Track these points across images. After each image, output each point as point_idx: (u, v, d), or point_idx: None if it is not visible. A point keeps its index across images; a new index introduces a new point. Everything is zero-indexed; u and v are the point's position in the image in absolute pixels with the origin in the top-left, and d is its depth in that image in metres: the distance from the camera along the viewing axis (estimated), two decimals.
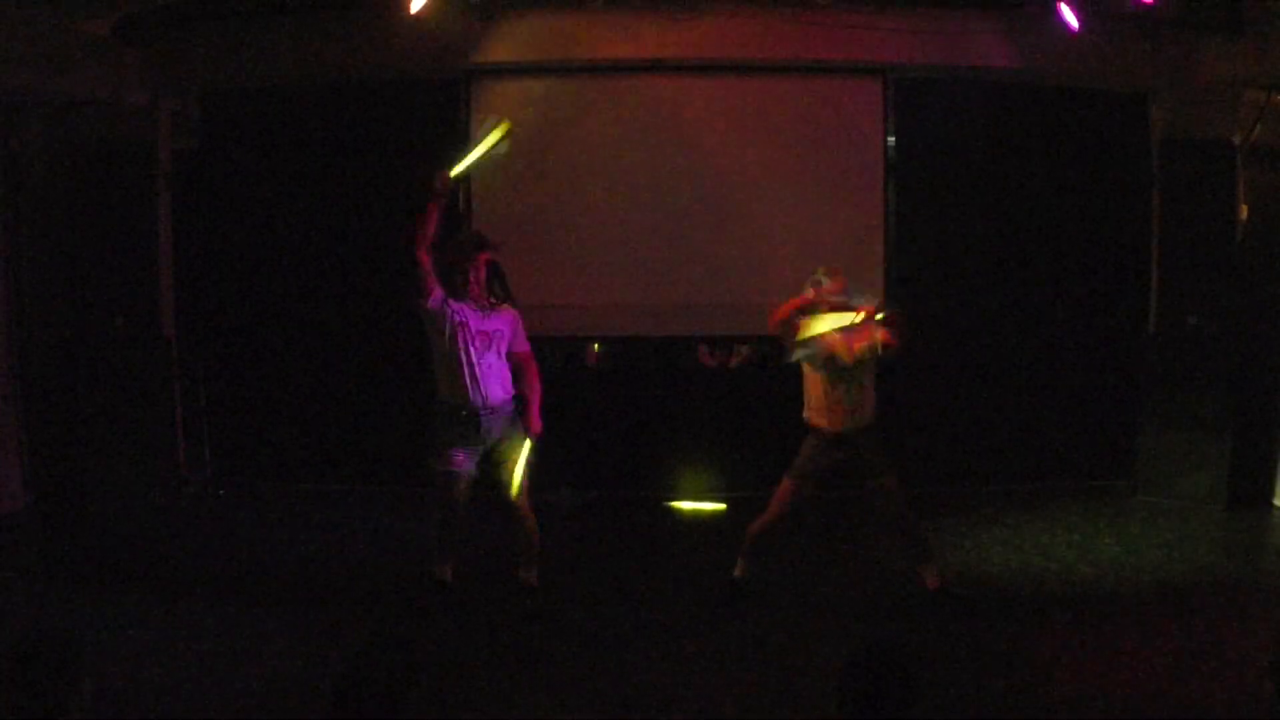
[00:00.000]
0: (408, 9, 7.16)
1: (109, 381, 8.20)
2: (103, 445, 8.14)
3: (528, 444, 5.86)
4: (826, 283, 5.82)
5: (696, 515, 8.08)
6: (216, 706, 4.89)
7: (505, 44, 8.05)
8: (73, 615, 5.87)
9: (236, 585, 6.46)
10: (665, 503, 8.16)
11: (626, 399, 8.52)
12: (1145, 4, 6.86)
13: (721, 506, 8.03)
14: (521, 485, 5.87)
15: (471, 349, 5.72)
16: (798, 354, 5.85)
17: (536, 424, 5.88)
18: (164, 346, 8.46)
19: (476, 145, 5.77)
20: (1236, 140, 8.01)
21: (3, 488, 7.89)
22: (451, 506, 5.86)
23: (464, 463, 5.78)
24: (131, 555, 7.10)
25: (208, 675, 5.18)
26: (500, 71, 8.26)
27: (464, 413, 5.74)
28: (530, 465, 5.88)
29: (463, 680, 5.16)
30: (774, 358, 8.44)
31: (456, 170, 5.74)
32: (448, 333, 5.71)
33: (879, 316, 5.67)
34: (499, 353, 5.84)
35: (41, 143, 8.19)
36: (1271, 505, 7.95)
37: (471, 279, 5.72)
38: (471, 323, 5.74)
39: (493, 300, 5.83)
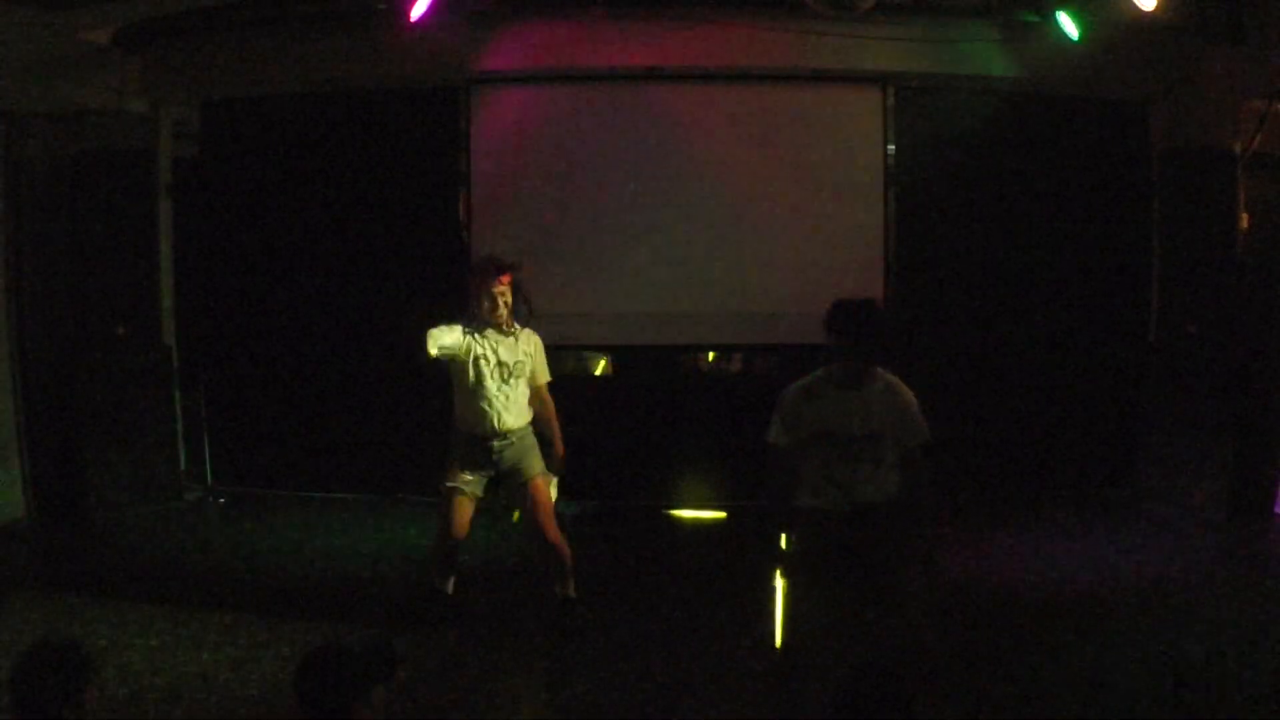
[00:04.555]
0: (407, 18, 7.17)
1: (110, 389, 8.20)
2: (103, 453, 8.14)
3: (554, 481, 5.91)
4: None
5: (698, 524, 8.09)
6: (218, 713, 4.89)
7: (505, 52, 8.05)
8: (74, 623, 5.86)
9: (237, 592, 6.45)
10: (666, 511, 8.16)
11: (627, 407, 8.52)
12: (1146, 11, 6.87)
13: (722, 515, 8.05)
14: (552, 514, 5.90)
15: (491, 381, 5.70)
16: None
17: (561, 450, 5.94)
18: (164, 354, 8.47)
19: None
20: (1237, 149, 8.01)
21: (4, 496, 7.89)
22: (452, 525, 5.82)
23: (470, 483, 5.77)
24: (132, 562, 7.09)
25: (209, 682, 5.18)
26: (500, 80, 8.27)
27: (478, 439, 5.74)
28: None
29: (461, 684, 5.17)
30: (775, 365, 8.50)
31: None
32: (468, 365, 5.69)
33: None
34: (519, 381, 5.79)
35: (43, 151, 8.20)
36: (1273, 514, 7.94)
37: (500, 303, 5.67)
38: (493, 355, 5.72)
39: (516, 325, 5.81)
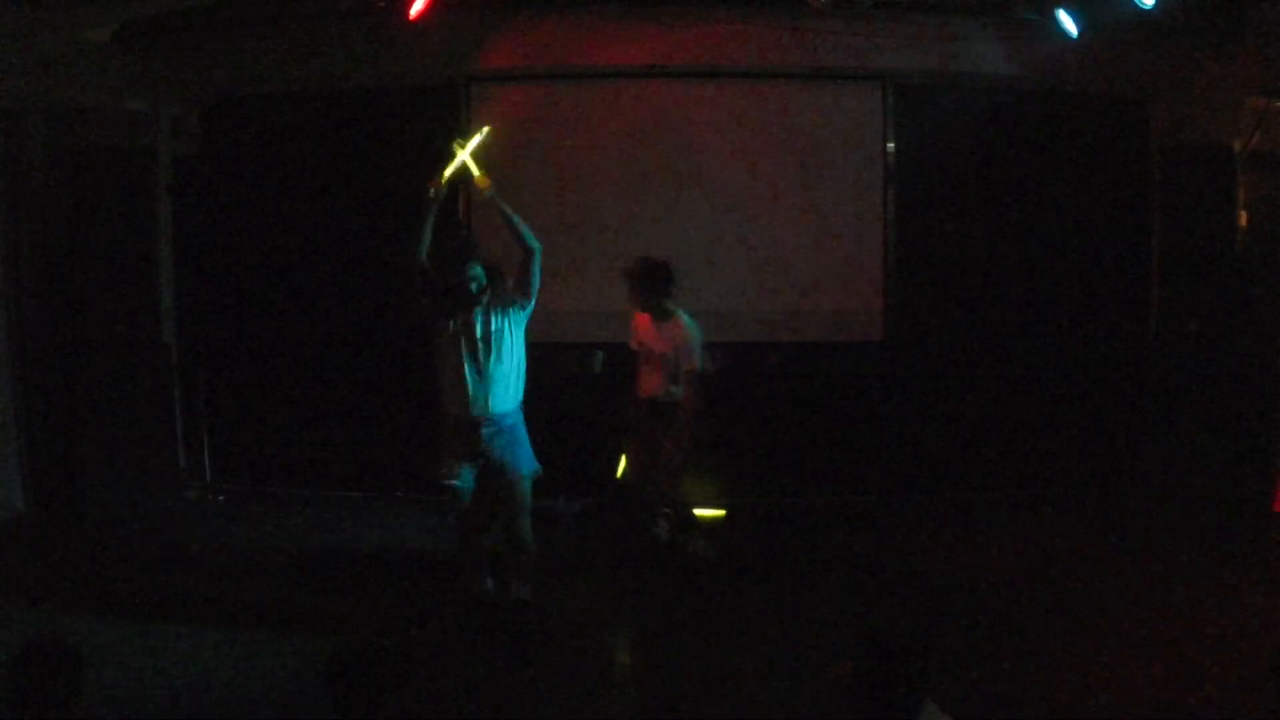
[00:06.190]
0: (407, 16, 7.17)
1: (109, 387, 8.20)
2: (102, 451, 8.14)
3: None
4: None
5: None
6: (218, 713, 4.89)
7: (505, 50, 8.06)
8: (73, 621, 5.86)
9: (237, 591, 6.46)
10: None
11: (625, 405, 8.49)
12: (1146, 9, 6.86)
13: (721, 512, 8.02)
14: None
15: (477, 357, 5.68)
16: None
17: None
18: (164, 352, 8.46)
19: (462, 150, 6.00)
20: (1236, 147, 8.01)
21: (3, 493, 7.89)
22: (461, 522, 5.83)
23: (463, 475, 5.75)
24: (131, 560, 7.09)
25: (208, 681, 5.18)
26: (500, 78, 8.27)
27: (464, 423, 5.69)
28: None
29: (461, 684, 5.17)
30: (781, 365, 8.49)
31: (446, 175, 5.88)
32: (456, 337, 5.69)
33: None
34: (509, 354, 5.76)
35: (42, 149, 8.19)
36: (1272, 513, 7.93)
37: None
38: (477, 328, 5.70)
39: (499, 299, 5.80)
